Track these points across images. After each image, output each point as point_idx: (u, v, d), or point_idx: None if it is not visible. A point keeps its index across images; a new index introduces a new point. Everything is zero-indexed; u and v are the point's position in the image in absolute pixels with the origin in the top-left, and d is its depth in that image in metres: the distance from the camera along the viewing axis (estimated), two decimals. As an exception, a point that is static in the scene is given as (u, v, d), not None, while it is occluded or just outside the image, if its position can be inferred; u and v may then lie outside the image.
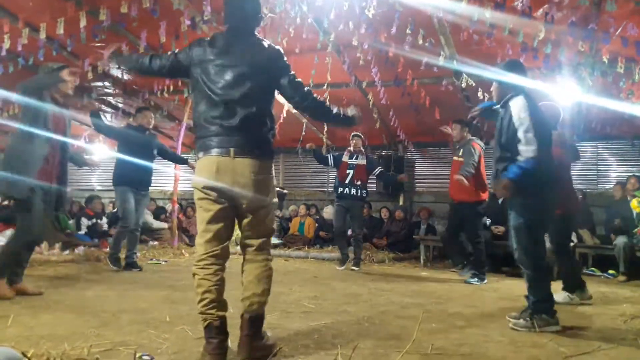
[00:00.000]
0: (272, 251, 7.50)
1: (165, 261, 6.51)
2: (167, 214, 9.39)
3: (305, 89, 2.46)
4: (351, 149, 6.38)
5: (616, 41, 5.18)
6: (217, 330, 2.18)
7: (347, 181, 6.23)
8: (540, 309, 3.05)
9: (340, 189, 6.29)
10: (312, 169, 10.89)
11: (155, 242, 8.31)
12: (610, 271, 6.44)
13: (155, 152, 5.63)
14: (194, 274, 2.30)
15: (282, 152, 10.87)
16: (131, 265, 5.38)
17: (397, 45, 5.77)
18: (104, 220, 8.63)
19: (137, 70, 2.56)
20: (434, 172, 9.98)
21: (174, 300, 3.66)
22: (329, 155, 6.59)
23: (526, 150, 3.01)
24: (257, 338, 2.24)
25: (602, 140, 8.92)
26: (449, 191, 5.72)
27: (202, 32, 5.90)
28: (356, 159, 6.32)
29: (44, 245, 6.70)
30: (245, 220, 2.35)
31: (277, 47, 2.45)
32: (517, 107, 3.12)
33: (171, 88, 7.73)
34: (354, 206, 6.25)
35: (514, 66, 3.34)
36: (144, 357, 2.05)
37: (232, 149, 2.23)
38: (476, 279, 5.29)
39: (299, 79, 2.46)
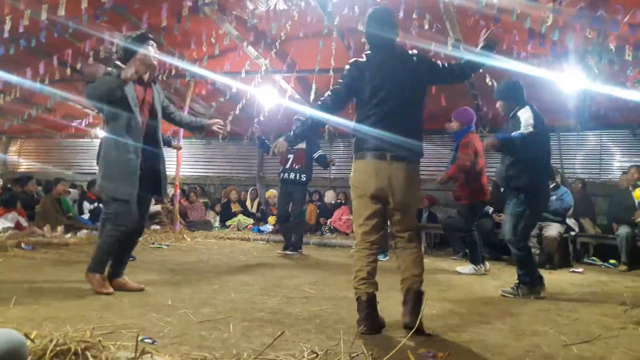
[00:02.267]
0: (273, 237, 7.55)
1: (167, 245, 6.54)
2: (169, 199, 9.40)
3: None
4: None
5: (624, 28, 5.11)
6: (365, 304, 2.55)
7: (287, 166, 6.27)
8: (525, 281, 3.85)
9: (282, 174, 6.34)
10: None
11: (157, 226, 8.33)
12: (611, 261, 6.45)
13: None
14: (352, 255, 2.71)
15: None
16: None
17: (403, 30, 5.70)
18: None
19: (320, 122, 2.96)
20: (437, 160, 9.93)
21: (175, 283, 3.68)
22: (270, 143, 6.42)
23: (525, 128, 3.73)
24: (419, 308, 2.54)
25: (606, 129, 8.88)
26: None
27: (204, 14, 5.85)
28: None
29: (47, 228, 6.73)
30: (397, 217, 2.70)
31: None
32: (526, 114, 3.82)
33: (173, 72, 7.68)
34: (295, 190, 6.29)
35: (515, 86, 4.08)
36: (145, 340, 2.05)
37: (388, 154, 2.61)
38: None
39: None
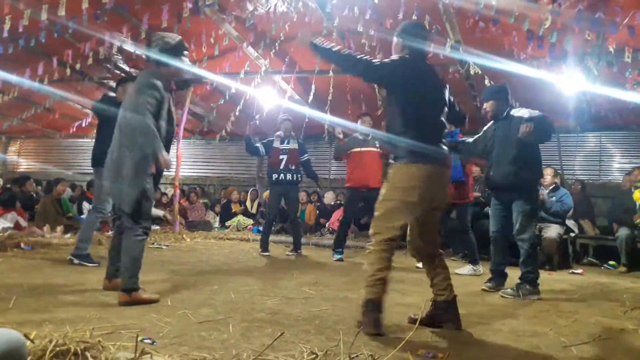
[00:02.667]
0: (273, 237, 7.49)
1: (167, 245, 6.53)
2: (168, 199, 9.41)
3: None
4: (281, 133, 6.29)
5: (623, 30, 5.12)
6: (379, 307, 2.52)
7: (281, 167, 6.14)
8: (528, 278, 3.87)
9: (274, 176, 6.18)
10: (313, 157, 10.85)
11: (157, 227, 8.33)
12: (611, 262, 6.46)
13: None
14: (370, 252, 2.62)
15: (284, 139, 10.85)
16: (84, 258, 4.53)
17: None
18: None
19: None
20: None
21: (175, 284, 3.67)
22: (258, 145, 6.33)
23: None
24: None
25: (606, 131, 8.88)
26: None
27: (205, 15, 5.85)
28: (288, 143, 6.24)
29: (47, 228, 6.73)
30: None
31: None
32: (524, 110, 4.02)
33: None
34: (291, 191, 6.23)
35: (505, 88, 4.26)
36: (145, 341, 2.05)
37: (438, 160, 2.68)
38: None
39: None
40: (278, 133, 6.33)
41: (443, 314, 2.68)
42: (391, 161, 2.76)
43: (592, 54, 5.73)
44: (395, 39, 2.89)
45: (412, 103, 2.70)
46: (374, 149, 5.97)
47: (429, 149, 2.64)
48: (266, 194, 10.14)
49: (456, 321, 2.68)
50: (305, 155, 6.45)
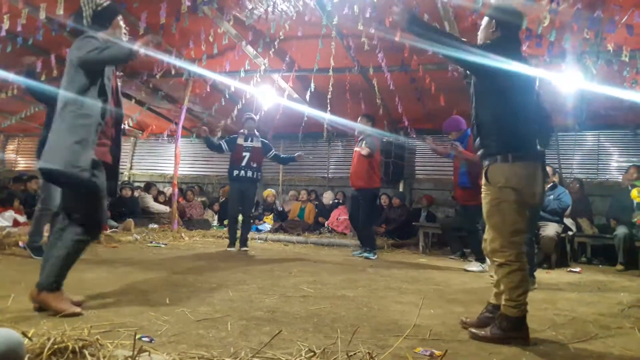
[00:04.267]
0: (271, 236, 7.54)
1: (165, 244, 6.53)
2: (167, 198, 9.41)
3: None
4: (245, 131, 6.41)
5: (622, 29, 5.12)
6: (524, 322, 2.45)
7: (243, 164, 6.24)
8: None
9: (235, 172, 6.27)
10: (312, 155, 10.88)
11: (155, 225, 8.32)
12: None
13: None
14: (507, 274, 2.44)
15: (282, 138, 10.85)
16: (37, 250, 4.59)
17: (403, 30, 5.71)
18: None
19: None
20: (435, 159, 9.94)
21: (173, 282, 3.68)
22: (221, 142, 6.40)
23: None
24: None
25: (604, 130, 8.89)
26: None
27: (203, 13, 5.84)
28: (251, 141, 6.36)
29: (46, 226, 6.71)
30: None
31: None
32: None
33: (172, 72, 7.67)
34: (249, 188, 6.30)
35: None
36: (143, 339, 2.05)
37: (540, 157, 2.56)
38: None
39: None
40: (242, 131, 6.45)
41: (492, 317, 2.56)
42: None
43: (591, 53, 5.74)
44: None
45: (512, 88, 2.54)
46: (357, 149, 6.37)
47: (531, 144, 2.55)
48: (268, 192, 10.17)
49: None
50: (272, 151, 6.60)
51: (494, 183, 2.48)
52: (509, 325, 2.40)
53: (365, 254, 6.21)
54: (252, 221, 6.63)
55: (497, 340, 2.38)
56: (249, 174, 6.25)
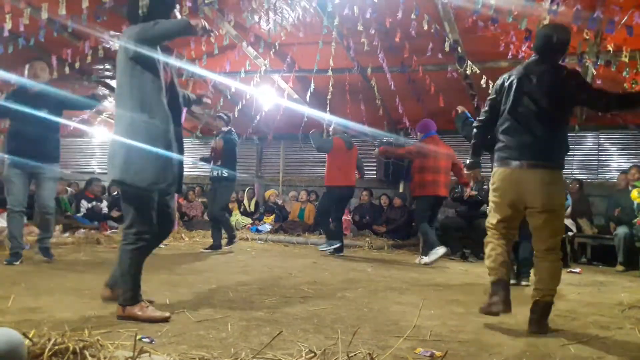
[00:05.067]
0: (271, 236, 7.55)
1: (165, 245, 6.52)
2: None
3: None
4: (214, 131, 6.44)
5: (621, 30, 5.13)
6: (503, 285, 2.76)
7: (211, 163, 6.26)
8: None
9: (210, 172, 6.31)
10: (312, 156, 10.87)
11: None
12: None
13: (55, 108, 4.52)
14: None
15: (283, 138, 10.85)
16: (45, 251, 4.60)
17: (403, 31, 5.72)
18: (104, 203, 8.64)
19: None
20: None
21: (173, 283, 3.68)
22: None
23: None
24: (545, 318, 2.74)
25: (603, 130, 8.88)
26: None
27: (204, 14, 5.85)
28: (215, 140, 6.30)
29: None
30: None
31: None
32: None
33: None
34: (217, 187, 6.21)
35: None
36: (144, 340, 2.05)
37: None
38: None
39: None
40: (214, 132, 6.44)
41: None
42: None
43: (590, 53, 5.74)
44: None
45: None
46: None
47: None
48: (270, 192, 10.14)
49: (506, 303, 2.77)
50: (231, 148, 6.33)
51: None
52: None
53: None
54: (223, 221, 6.31)
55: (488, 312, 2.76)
56: (214, 172, 6.19)
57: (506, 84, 2.86)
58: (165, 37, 2.57)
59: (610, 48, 5.44)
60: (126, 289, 2.53)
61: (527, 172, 2.71)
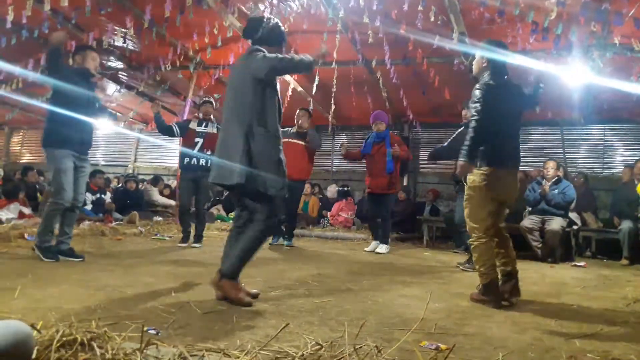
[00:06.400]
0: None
1: (170, 237, 6.55)
2: (172, 191, 9.44)
3: None
4: (200, 115, 5.91)
5: (629, 22, 5.08)
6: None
7: (195, 150, 5.72)
8: None
9: (186, 159, 5.74)
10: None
11: (160, 218, 8.35)
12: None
13: (97, 106, 4.46)
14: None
15: (287, 130, 10.83)
16: (66, 253, 4.17)
17: (409, 23, 5.68)
18: (108, 195, 8.67)
19: None
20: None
21: (178, 275, 3.69)
22: (172, 124, 5.92)
23: None
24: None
25: (610, 124, 8.84)
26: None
27: (208, 6, 5.82)
28: (206, 126, 5.83)
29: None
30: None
31: None
32: None
33: (177, 63, 7.66)
34: (203, 177, 5.55)
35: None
36: (149, 331, 2.06)
37: None
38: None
39: None
40: (196, 114, 6.02)
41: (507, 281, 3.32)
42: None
43: (598, 46, 5.70)
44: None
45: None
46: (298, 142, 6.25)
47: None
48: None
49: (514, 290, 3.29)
50: None
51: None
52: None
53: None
54: (205, 214, 6.09)
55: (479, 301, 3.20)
56: (202, 161, 5.67)
57: None
58: (292, 72, 3.08)
59: (617, 40, 5.39)
60: (236, 265, 2.85)
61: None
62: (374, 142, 6.15)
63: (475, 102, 3.19)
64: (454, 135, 5.17)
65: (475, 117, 3.16)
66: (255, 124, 2.84)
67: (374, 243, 6.23)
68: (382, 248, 6.07)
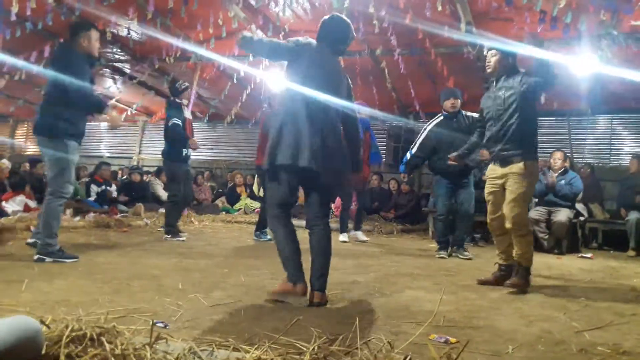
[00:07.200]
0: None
1: (175, 229, 6.54)
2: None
3: None
4: (185, 101, 5.66)
5: (639, 11, 5.01)
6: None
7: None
8: (462, 244, 5.25)
9: (184, 151, 5.43)
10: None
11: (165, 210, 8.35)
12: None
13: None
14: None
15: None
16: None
17: (415, 12, 5.62)
18: (113, 187, 8.68)
19: None
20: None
21: (185, 267, 3.69)
22: (182, 130, 5.45)
23: None
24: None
25: (617, 114, 8.76)
26: None
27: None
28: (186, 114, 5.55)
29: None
30: None
31: None
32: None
33: (178, 53, 7.62)
34: (189, 167, 5.58)
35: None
36: (158, 325, 2.05)
37: None
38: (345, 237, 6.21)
39: None
40: (183, 101, 5.57)
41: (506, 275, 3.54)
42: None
43: (607, 34, 5.62)
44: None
45: None
46: None
47: None
48: None
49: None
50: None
51: (530, 173, 3.45)
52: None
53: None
54: (185, 204, 5.97)
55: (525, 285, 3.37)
56: (189, 151, 5.50)
57: None
58: None
59: (627, 29, 5.32)
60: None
61: None
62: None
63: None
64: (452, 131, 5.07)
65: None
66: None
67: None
68: (344, 236, 6.24)
